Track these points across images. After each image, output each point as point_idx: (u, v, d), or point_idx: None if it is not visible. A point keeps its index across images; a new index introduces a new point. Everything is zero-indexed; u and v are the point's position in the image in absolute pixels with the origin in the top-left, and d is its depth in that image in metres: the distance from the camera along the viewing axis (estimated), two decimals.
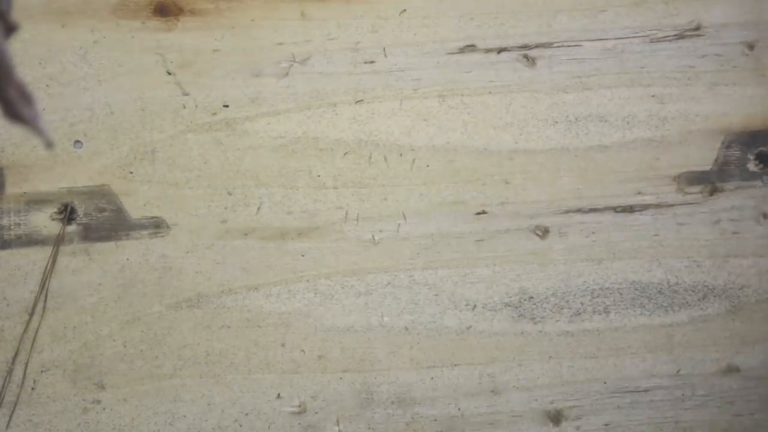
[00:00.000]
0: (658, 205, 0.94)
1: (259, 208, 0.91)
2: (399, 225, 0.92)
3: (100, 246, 0.90)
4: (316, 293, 0.92)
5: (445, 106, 0.93)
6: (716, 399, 0.95)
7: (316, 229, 0.92)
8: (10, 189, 0.89)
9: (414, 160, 0.93)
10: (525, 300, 0.93)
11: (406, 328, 0.92)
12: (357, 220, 0.92)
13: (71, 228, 0.90)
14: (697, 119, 0.95)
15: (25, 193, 0.90)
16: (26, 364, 0.89)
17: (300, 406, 0.91)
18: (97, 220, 0.90)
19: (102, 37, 0.91)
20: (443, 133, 0.93)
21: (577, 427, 0.94)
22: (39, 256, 0.89)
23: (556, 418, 0.93)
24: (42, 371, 0.89)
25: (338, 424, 0.92)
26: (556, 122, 0.94)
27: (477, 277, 0.93)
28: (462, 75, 0.93)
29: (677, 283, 0.94)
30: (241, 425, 0.91)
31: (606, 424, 0.94)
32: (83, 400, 0.90)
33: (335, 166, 0.92)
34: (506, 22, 0.94)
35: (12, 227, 0.89)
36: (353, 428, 0.92)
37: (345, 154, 0.92)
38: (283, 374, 0.91)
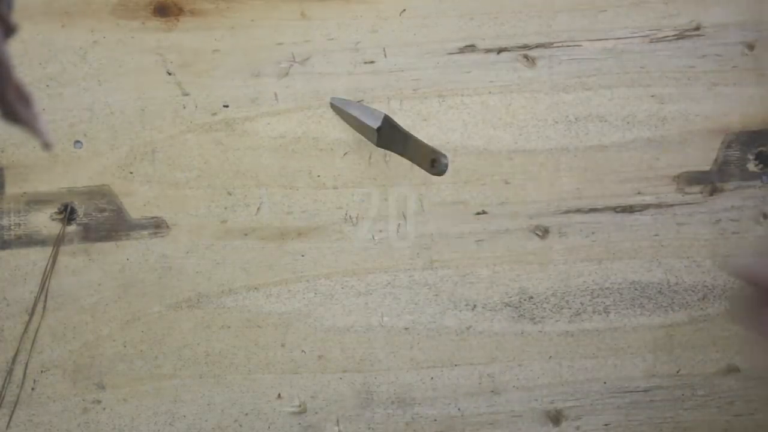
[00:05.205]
0: (657, 205, 0.94)
1: (259, 208, 0.91)
2: (399, 225, 0.92)
3: (100, 246, 0.90)
4: (316, 293, 0.92)
5: (445, 106, 0.93)
6: (716, 399, 0.95)
7: (316, 229, 0.92)
8: (10, 189, 0.89)
9: None
10: (525, 300, 0.93)
11: (406, 328, 0.92)
12: (357, 220, 0.92)
13: (71, 228, 0.90)
14: (697, 119, 0.95)
15: (25, 193, 0.90)
16: (26, 364, 0.89)
17: (300, 406, 0.91)
18: (97, 220, 0.90)
19: (102, 37, 0.91)
20: (443, 133, 0.93)
21: (577, 427, 0.94)
22: (39, 256, 0.89)
23: (556, 418, 0.93)
24: (42, 371, 0.89)
25: (338, 424, 0.92)
26: (556, 122, 0.94)
27: (477, 277, 0.93)
28: (462, 75, 0.93)
29: (677, 283, 0.94)
30: (241, 425, 0.91)
31: (606, 424, 0.94)
32: (83, 400, 0.90)
33: (335, 166, 0.92)
34: (506, 22, 0.94)
35: (12, 227, 0.89)
36: (353, 428, 0.92)
37: (345, 154, 0.92)
38: (283, 374, 0.91)
